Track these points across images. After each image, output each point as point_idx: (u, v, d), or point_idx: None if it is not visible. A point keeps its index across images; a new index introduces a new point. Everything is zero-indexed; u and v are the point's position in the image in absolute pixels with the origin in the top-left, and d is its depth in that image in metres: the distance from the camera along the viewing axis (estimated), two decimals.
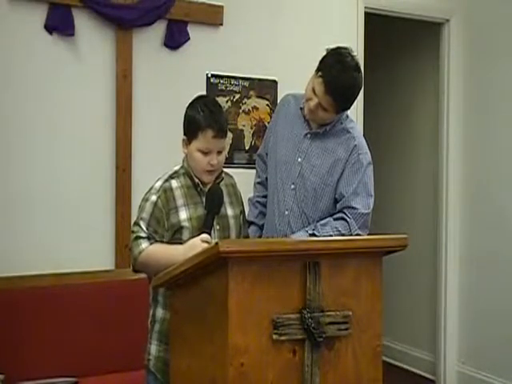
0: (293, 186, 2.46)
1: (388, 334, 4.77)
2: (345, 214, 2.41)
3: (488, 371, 4.34)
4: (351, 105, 2.43)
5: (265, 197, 2.65)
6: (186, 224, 2.18)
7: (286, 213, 2.47)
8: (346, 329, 1.79)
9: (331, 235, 2.35)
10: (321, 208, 2.44)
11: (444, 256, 4.66)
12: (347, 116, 2.52)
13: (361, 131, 2.53)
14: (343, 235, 2.36)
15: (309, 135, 2.49)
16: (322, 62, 2.39)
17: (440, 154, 4.72)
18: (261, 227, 2.64)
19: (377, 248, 1.88)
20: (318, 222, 2.43)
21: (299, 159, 2.47)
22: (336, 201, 2.47)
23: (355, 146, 2.46)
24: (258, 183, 2.74)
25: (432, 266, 4.82)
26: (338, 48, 2.42)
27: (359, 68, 2.39)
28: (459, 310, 4.63)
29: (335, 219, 2.41)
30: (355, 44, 4.22)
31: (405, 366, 5.08)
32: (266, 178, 2.65)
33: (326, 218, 2.43)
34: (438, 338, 4.70)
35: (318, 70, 2.39)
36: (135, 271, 2.26)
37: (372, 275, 1.86)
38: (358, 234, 2.39)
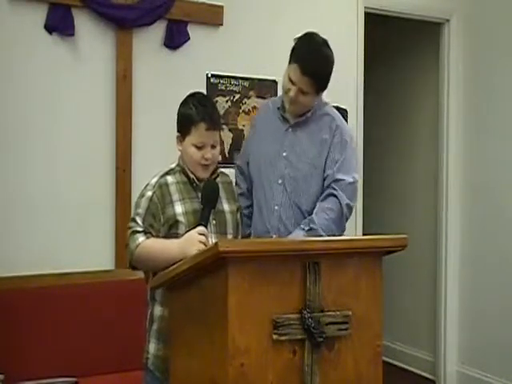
0: (280, 181, 2.48)
1: (388, 334, 4.77)
2: (332, 188, 2.41)
3: (488, 371, 4.34)
4: (328, 81, 2.46)
5: (248, 207, 2.64)
6: (181, 218, 2.18)
7: (276, 208, 2.47)
8: (346, 329, 1.79)
9: (327, 219, 2.35)
10: (312, 193, 2.45)
11: (444, 256, 4.66)
12: (325, 103, 2.56)
13: (338, 114, 2.60)
14: (336, 211, 2.37)
15: (290, 129, 2.52)
16: (292, 50, 2.45)
17: (440, 154, 4.72)
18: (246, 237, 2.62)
19: (377, 248, 1.88)
20: (309, 213, 2.43)
21: (284, 154, 2.49)
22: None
23: (337, 126, 2.49)
24: (240, 194, 2.72)
25: (432, 265, 4.82)
26: (304, 33, 2.49)
27: (328, 44, 2.45)
28: (459, 310, 4.63)
29: (323, 199, 2.42)
30: (355, 44, 4.23)
31: (405, 366, 5.08)
32: (247, 189, 2.65)
33: (315, 204, 2.44)
34: (438, 338, 4.70)
35: (290, 58, 2.43)
36: (132, 268, 2.25)
37: (372, 275, 1.86)
38: (347, 205, 2.40)
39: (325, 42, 2.44)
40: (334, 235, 2.38)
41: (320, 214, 2.37)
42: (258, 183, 2.55)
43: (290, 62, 2.42)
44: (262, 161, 2.52)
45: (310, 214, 2.41)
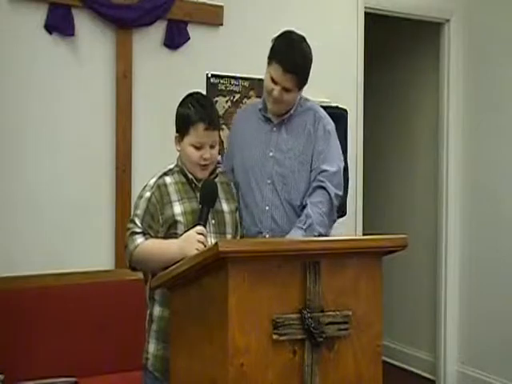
0: (269, 181, 2.48)
1: (388, 334, 4.78)
2: (319, 180, 2.43)
3: (488, 371, 4.34)
4: (308, 76, 2.49)
5: None
6: (180, 218, 2.18)
7: (267, 208, 2.47)
8: (346, 329, 1.79)
9: (320, 213, 2.36)
10: (302, 189, 2.46)
11: (444, 256, 4.66)
12: (306, 99, 2.59)
13: (319, 106, 2.65)
14: (327, 203, 2.39)
15: (275, 128, 2.53)
16: (271, 51, 2.46)
17: (440, 154, 4.72)
18: None
19: (377, 248, 1.88)
20: (301, 209, 2.44)
21: (271, 153, 2.50)
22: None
23: (320, 117, 2.53)
24: None
25: (432, 265, 4.82)
26: (282, 32, 2.51)
27: (306, 40, 2.49)
28: (459, 310, 4.63)
29: (312, 192, 2.44)
30: (355, 44, 4.23)
31: (405, 366, 5.08)
32: None
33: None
34: (438, 338, 4.70)
35: (269, 59, 2.44)
36: (131, 268, 2.25)
37: (372, 275, 1.86)
38: (336, 195, 2.42)
39: (303, 39, 2.48)
40: (326, 228, 2.40)
41: (313, 209, 2.38)
42: (245, 187, 2.53)
43: (269, 63, 2.44)
44: (249, 164, 2.52)
45: (303, 209, 2.43)
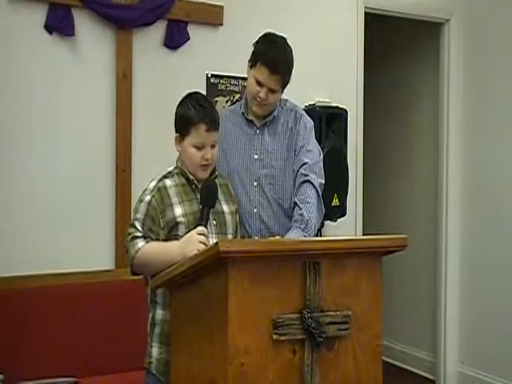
0: (255, 183, 2.51)
1: (388, 334, 4.77)
2: (302, 174, 2.47)
3: (488, 371, 4.34)
4: (291, 75, 2.53)
5: None
6: (181, 219, 2.18)
7: (255, 210, 2.50)
8: (346, 329, 1.80)
9: (311, 211, 2.39)
10: (290, 187, 2.50)
11: (444, 256, 4.66)
12: (286, 99, 2.63)
13: (299, 106, 2.72)
14: (314, 196, 2.43)
15: (258, 131, 2.56)
16: (253, 54, 2.48)
17: (440, 154, 4.72)
18: None
19: (377, 248, 1.88)
20: (290, 208, 2.47)
21: (256, 156, 2.53)
22: None
23: (300, 116, 2.58)
24: None
25: (432, 265, 4.82)
26: (263, 35, 2.54)
27: (286, 40, 2.54)
28: (459, 310, 4.63)
29: (298, 187, 2.47)
30: (355, 44, 4.23)
31: (405, 366, 5.08)
32: None
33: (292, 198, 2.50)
34: (438, 338, 4.70)
35: (253, 62, 2.46)
36: (133, 273, 2.24)
37: (372, 275, 1.86)
38: (320, 184, 2.47)
39: (284, 40, 2.52)
40: (319, 219, 2.46)
41: (305, 206, 2.41)
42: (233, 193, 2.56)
43: (253, 66, 2.46)
44: (234, 169, 2.54)
45: (293, 207, 2.45)
